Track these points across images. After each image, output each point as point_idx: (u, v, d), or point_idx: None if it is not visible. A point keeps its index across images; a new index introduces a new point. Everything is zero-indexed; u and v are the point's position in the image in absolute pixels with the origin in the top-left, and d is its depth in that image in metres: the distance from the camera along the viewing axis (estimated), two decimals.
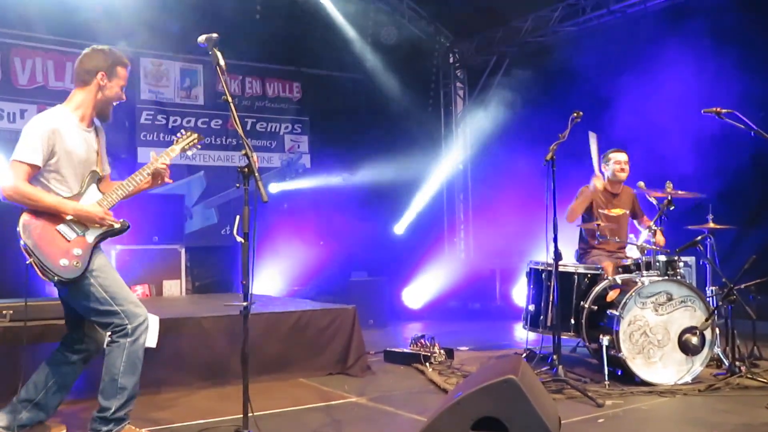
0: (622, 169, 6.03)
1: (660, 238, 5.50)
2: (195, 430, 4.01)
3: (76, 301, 3.60)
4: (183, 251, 8.37)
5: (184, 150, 3.93)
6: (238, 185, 3.50)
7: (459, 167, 11.61)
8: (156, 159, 3.81)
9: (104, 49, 3.72)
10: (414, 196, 10.80)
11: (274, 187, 9.63)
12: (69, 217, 3.52)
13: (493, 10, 9.90)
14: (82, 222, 3.55)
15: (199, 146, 4.04)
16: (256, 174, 3.42)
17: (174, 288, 8.35)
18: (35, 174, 3.50)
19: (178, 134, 3.97)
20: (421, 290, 9.80)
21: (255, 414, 3.49)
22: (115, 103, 3.76)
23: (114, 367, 3.50)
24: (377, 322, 8.36)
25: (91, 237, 3.57)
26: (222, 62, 3.51)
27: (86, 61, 3.66)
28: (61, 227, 3.51)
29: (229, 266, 8.89)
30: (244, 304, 3.42)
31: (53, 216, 3.50)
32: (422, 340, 6.04)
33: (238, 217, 3.43)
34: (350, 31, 10.06)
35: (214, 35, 3.50)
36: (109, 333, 3.55)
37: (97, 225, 3.58)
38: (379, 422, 4.26)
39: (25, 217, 3.49)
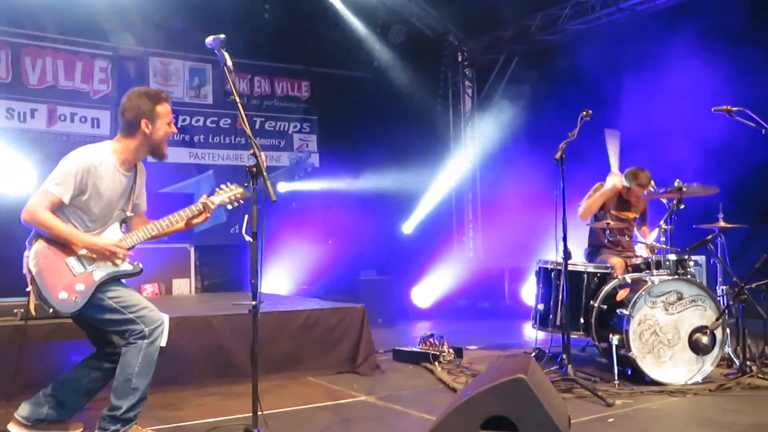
0: (642, 189, 5.90)
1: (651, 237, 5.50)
2: (204, 429, 4.02)
3: (90, 318, 3.58)
4: (192, 250, 8.41)
5: (225, 203, 3.83)
6: (246, 184, 3.50)
7: (468, 166, 11.59)
8: (200, 204, 3.75)
9: (139, 91, 3.66)
10: (423, 195, 10.79)
11: (283, 186, 9.65)
12: (81, 252, 3.50)
13: (502, 8, 9.88)
14: (92, 257, 3.51)
15: (242, 202, 3.89)
16: (265, 173, 3.41)
17: (183, 287, 8.39)
18: (60, 206, 3.50)
19: (223, 186, 3.86)
20: (430, 289, 9.79)
21: (264, 413, 3.49)
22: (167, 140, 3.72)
23: (129, 368, 3.49)
24: (386, 320, 8.36)
25: (98, 275, 3.53)
26: (230, 62, 3.49)
27: (127, 109, 3.61)
28: (70, 260, 3.49)
29: (238, 265, 8.90)
30: (254, 303, 3.42)
31: (66, 247, 3.49)
32: (431, 339, 6.03)
33: (246, 216, 3.43)
34: (359, 30, 10.06)
35: (222, 36, 3.48)
36: (128, 336, 3.53)
37: (108, 261, 3.54)
38: (388, 421, 4.26)
39: (38, 245, 3.49)
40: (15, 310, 4.54)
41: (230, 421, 4.13)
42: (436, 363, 5.69)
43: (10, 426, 3.69)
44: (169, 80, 9.04)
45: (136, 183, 3.77)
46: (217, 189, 3.84)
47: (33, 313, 3.52)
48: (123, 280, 3.69)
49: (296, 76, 10.23)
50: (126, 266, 3.63)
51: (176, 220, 3.73)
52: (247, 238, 3.42)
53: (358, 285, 8.73)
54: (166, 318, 3.61)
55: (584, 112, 5.17)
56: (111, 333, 3.66)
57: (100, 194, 3.56)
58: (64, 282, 3.45)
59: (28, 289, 3.48)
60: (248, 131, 3.49)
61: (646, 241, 5.69)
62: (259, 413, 3.42)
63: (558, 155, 4.99)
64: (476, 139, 11.51)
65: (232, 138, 9.61)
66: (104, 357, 3.74)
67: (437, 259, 10.03)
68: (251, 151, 3.51)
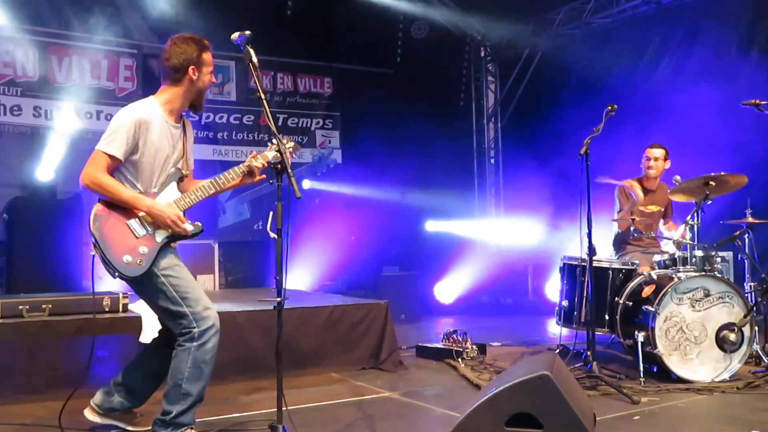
0: (650, 167, 5.97)
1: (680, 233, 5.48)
2: (229, 424, 4.05)
3: (147, 299, 3.58)
4: (216, 246, 8.46)
5: (278, 159, 3.61)
6: (271, 181, 3.49)
7: (491, 161, 11.55)
8: (252, 159, 3.70)
9: (185, 37, 3.61)
10: (446, 191, 10.75)
11: (306, 183, 9.68)
12: (142, 214, 3.46)
13: (525, 2, 9.81)
14: (153, 220, 3.49)
15: (296, 155, 3.85)
16: (289, 170, 3.39)
17: (207, 282, 8.45)
18: (116, 166, 3.47)
19: (274, 140, 3.71)
20: (453, 285, 9.77)
21: (288, 408, 3.50)
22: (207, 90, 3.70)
23: (179, 372, 3.45)
24: (409, 317, 8.36)
25: (160, 236, 3.50)
26: (255, 59, 3.45)
27: (172, 55, 3.55)
28: (132, 222, 3.45)
29: (262, 261, 8.96)
30: (278, 299, 3.43)
31: (126, 210, 3.45)
32: (454, 336, 6.02)
33: (271, 213, 3.42)
34: (381, 26, 10.03)
35: (247, 32, 3.44)
36: (179, 334, 3.50)
37: (168, 229, 3.51)
38: (412, 417, 4.26)
39: (97, 207, 3.45)
40: (43, 306, 4.60)
41: (255, 416, 4.16)
42: (460, 359, 5.68)
43: (86, 411, 3.77)
44: None
45: (186, 138, 3.73)
46: (269, 144, 3.64)
47: (106, 270, 3.43)
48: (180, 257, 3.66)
49: (319, 72, 10.25)
50: (188, 227, 3.57)
51: (231, 178, 3.68)
52: (272, 235, 3.41)
53: (381, 281, 8.73)
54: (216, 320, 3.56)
55: (609, 107, 5.11)
56: (163, 321, 3.65)
57: (154, 149, 3.51)
58: (128, 245, 3.41)
59: (92, 253, 3.44)
60: (273, 128, 3.45)
61: (673, 236, 5.63)
62: (284, 409, 3.43)
63: (583, 150, 4.94)
64: (499, 134, 11.46)
65: (256, 134, 9.66)
66: (168, 341, 3.68)
67: (460, 255, 10.00)
68: (276, 148, 3.49)
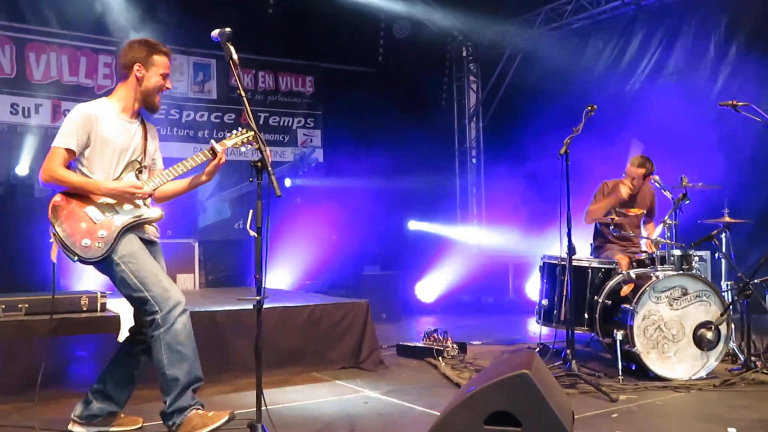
0: (630, 188, 5.87)
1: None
2: None
3: (113, 281, 3.62)
4: (196, 245, 8.42)
5: (237, 146, 3.85)
6: (251, 179, 3.49)
7: (472, 161, 11.59)
8: (211, 148, 3.78)
9: (140, 40, 3.75)
10: (427, 190, 10.77)
11: (287, 182, 9.64)
12: (100, 200, 3.55)
13: (506, 3, 9.86)
14: (112, 205, 3.56)
15: (254, 145, 3.83)
16: (270, 168, 3.39)
17: (187, 282, 8.40)
18: (72, 161, 3.57)
19: (234, 131, 3.90)
20: (434, 284, 9.79)
21: (268, 407, 3.49)
22: (160, 93, 3.77)
23: (159, 362, 3.50)
24: (390, 316, 8.36)
25: (119, 221, 3.57)
26: (235, 56, 3.48)
27: (122, 54, 3.72)
28: (90, 209, 3.53)
29: (243, 260, 8.92)
30: (258, 298, 3.42)
31: (85, 198, 3.54)
32: (435, 335, 6.03)
33: (251, 211, 3.42)
34: (363, 25, 10.02)
35: (227, 29, 3.47)
36: (147, 325, 3.55)
37: (129, 203, 3.58)
38: (392, 416, 4.26)
39: (56, 198, 3.54)
40: (20, 305, 4.55)
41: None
42: (440, 358, 5.69)
43: (70, 426, 3.75)
44: (173, 75, 8.88)
45: (147, 137, 3.80)
46: (228, 134, 3.86)
47: (54, 260, 3.53)
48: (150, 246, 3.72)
49: (300, 71, 10.21)
50: (147, 212, 3.68)
51: (191, 165, 3.74)
52: (252, 234, 3.40)
53: (362, 280, 8.73)
54: (182, 299, 3.59)
55: (589, 107, 5.15)
56: (135, 311, 3.70)
57: (106, 141, 3.60)
58: (86, 230, 3.48)
59: (51, 240, 3.50)
60: (253, 125, 3.51)
61: (650, 236, 5.68)
62: (263, 408, 3.42)
63: (563, 150, 4.97)
64: (481, 134, 11.49)
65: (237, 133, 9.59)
66: (134, 341, 3.77)
67: (441, 254, 10.02)
68: (256, 146, 3.52)
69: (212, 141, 3.81)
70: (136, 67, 3.66)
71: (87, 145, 3.57)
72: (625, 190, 5.86)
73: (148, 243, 3.73)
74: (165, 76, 3.75)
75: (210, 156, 3.76)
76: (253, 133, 3.76)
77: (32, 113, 8.13)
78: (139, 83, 3.69)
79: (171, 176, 3.73)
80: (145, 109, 3.79)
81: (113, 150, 3.64)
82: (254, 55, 9.60)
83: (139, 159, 3.73)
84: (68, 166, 3.58)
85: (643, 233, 6.13)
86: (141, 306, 3.56)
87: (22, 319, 4.52)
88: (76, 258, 3.46)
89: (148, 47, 3.71)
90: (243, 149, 3.92)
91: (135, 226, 3.64)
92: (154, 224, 3.80)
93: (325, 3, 9.25)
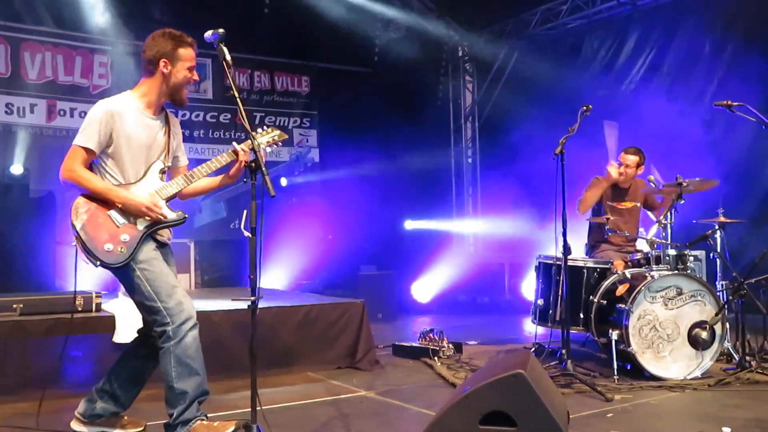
0: (620, 172, 5.93)
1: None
2: None
3: (127, 291, 3.57)
4: (192, 245, 8.41)
5: (263, 145, 3.69)
6: (245, 180, 3.49)
7: (468, 161, 11.59)
8: (237, 148, 3.65)
9: (163, 32, 3.60)
10: (423, 190, 10.78)
11: (283, 182, 9.64)
12: (120, 204, 3.48)
13: (502, 3, 9.86)
14: (128, 210, 3.49)
15: (281, 144, 3.84)
16: (264, 168, 3.39)
17: (183, 282, 8.33)
18: (93, 159, 3.50)
19: (259, 129, 3.75)
20: (429, 284, 9.79)
21: (263, 408, 3.49)
22: (187, 86, 3.66)
23: (167, 375, 3.43)
24: (386, 316, 8.37)
25: (141, 225, 3.51)
26: (228, 57, 3.45)
27: (147, 48, 3.57)
28: (113, 212, 3.46)
29: (238, 260, 8.92)
30: (252, 298, 3.41)
31: (107, 202, 3.47)
32: (431, 334, 6.04)
33: (245, 212, 3.41)
34: (359, 25, 10.03)
35: (221, 30, 3.45)
36: (156, 335, 3.48)
37: (146, 217, 3.50)
38: (388, 416, 4.26)
39: (79, 200, 3.47)
40: (14, 306, 4.54)
41: (229, 416, 4.11)
42: (436, 358, 5.69)
43: (72, 423, 3.72)
44: None
45: (170, 133, 3.71)
46: (253, 132, 3.62)
47: (86, 261, 3.43)
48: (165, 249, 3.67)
49: (296, 71, 10.21)
50: (171, 215, 3.60)
51: (215, 166, 3.66)
52: (246, 234, 3.40)
53: (358, 280, 8.73)
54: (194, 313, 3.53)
55: (584, 107, 5.16)
56: (143, 316, 3.61)
57: (129, 139, 3.51)
58: (109, 234, 3.42)
59: (74, 244, 3.45)
60: (247, 126, 3.46)
61: (646, 236, 5.68)
62: (258, 408, 3.41)
63: (558, 150, 4.98)
64: (477, 133, 11.50)
65: (232, 133, 9.59)
66: (142, 343, 3.71)
67: (437, 254, 10.03)
68: (250, 146, 3.50)
69: (234, 143, 3.68)
70: (162, 62, 3.54)
71: (109, 143, 3.48)
72: (614, 171, 5.87)
73: (161, 246, 3.66)
74: (192, 69, 3.63)
75: (234, 157, 3.66)
76: (279, 132, 3.74)
77: (27, 113, 8.12)
78: (166, 79, 3.57)
79: (192, 180, 3.65)
80: (172, 104, 3.68)
81: (137, 148, 3.54)
82: (250, 55, 9.60)
83: (162, 159, 3.64)
84: (91, 163, 3.50)
85: (642, 232, 6.12)
86: (151, 315, 3.48)
87: (17, 319, 4.51)
88: (98, 263, 3.39)
89: (173, 40, 3.56)
90: (269, 149, 3.78)
91: (153, 227, 3.57)
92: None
93: (320, 3, 9.25)
